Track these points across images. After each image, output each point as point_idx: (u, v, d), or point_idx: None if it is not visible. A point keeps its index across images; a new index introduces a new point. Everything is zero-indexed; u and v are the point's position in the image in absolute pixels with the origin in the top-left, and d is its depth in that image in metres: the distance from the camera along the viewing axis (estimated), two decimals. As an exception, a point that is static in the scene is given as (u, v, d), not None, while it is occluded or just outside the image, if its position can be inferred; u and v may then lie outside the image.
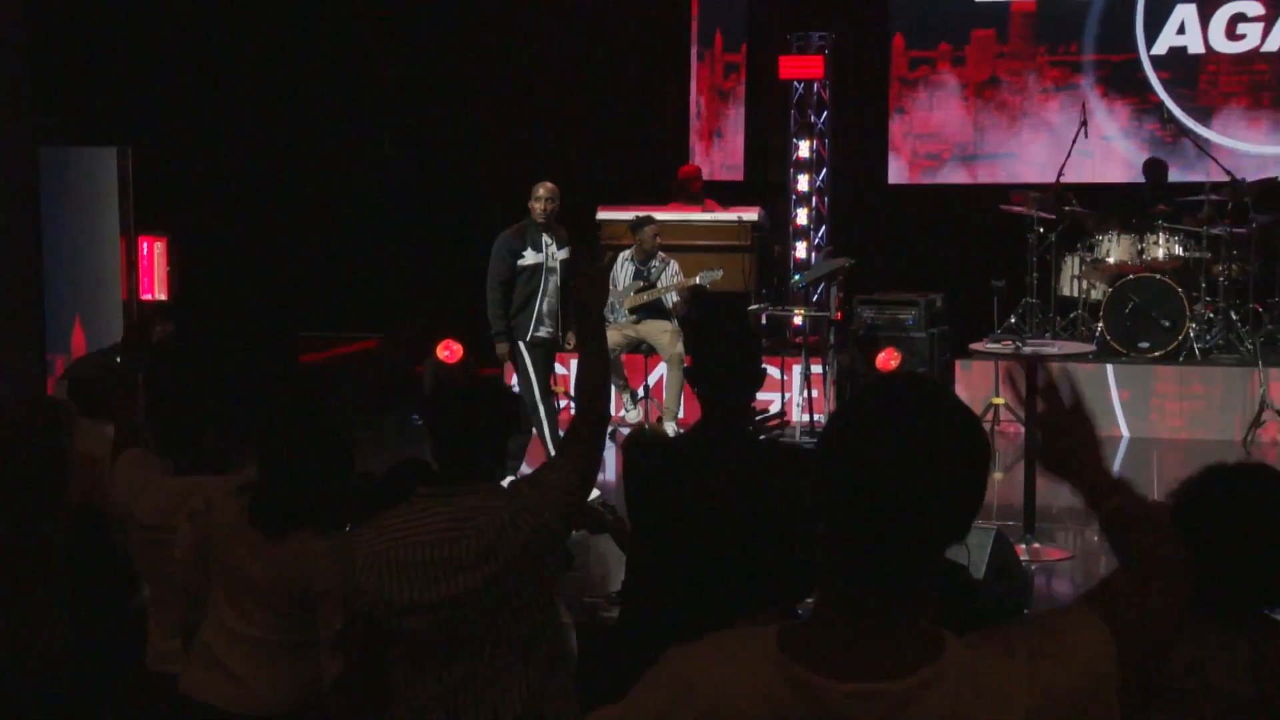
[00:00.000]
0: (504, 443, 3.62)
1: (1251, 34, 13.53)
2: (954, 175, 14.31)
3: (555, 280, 9.38)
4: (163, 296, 9.81)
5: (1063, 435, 2.25)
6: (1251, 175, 12.25)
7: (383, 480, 4.70)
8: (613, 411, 11.65)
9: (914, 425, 1.82)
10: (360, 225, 14.29)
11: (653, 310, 11.14)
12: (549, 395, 9.36)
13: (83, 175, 10.01)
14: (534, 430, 9.19)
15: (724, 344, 4.23)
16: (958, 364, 11.68)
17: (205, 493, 4.18)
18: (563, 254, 9.45)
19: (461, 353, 11.59)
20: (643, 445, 4.36)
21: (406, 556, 3.39)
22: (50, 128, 9.94)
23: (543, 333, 9.31)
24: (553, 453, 8.56)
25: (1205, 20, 13.59)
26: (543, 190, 9.47)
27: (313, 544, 3.87)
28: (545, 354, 9.39)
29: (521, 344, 9.25)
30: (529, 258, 9.29)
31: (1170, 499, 3.36)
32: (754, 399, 4.47)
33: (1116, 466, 10.62)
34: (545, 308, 9.35)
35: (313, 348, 13.56)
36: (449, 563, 3.38)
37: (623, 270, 11.31)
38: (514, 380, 9.47)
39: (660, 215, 11.72)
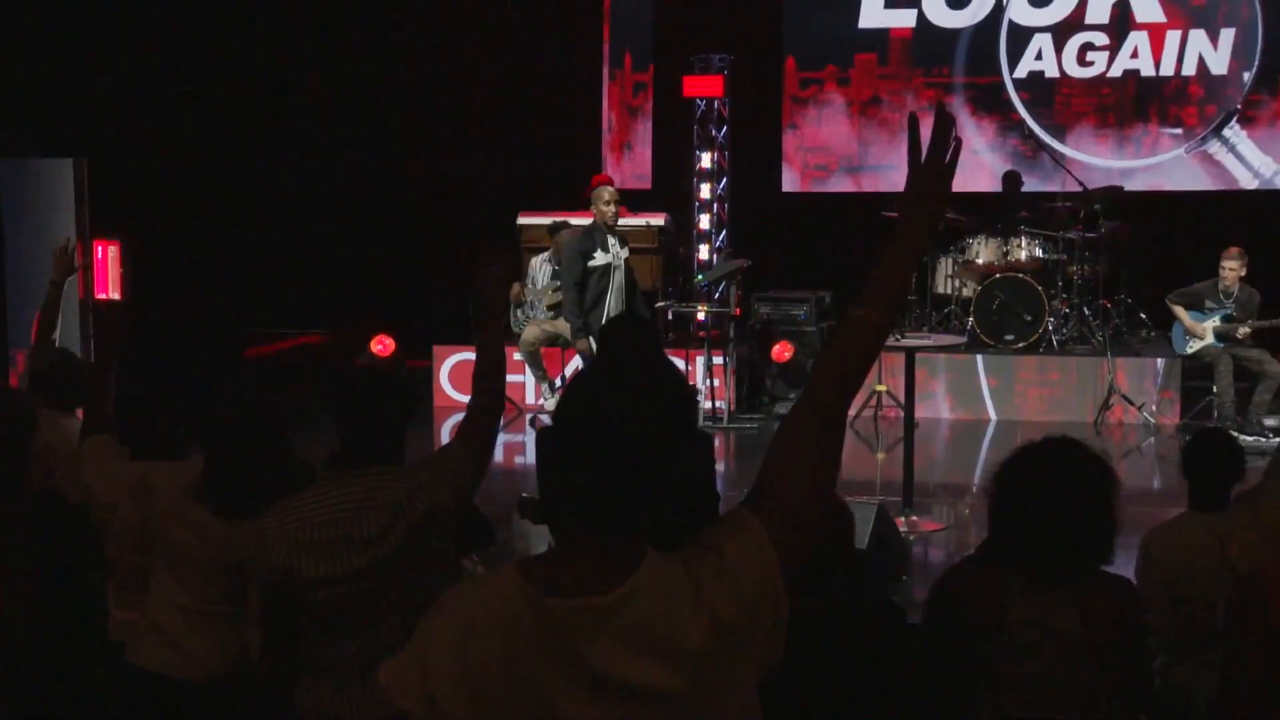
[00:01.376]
0: (402, 428, 3.56)
1: (1099, 61, 13.74)
2: (841, 184, 14.40)
3: (620, 277, 9.22)
4: (116, 296, 9.65)
5: (921, 181, 2.25)
6: (1102, 185, 12.47)
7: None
8: (531, 399, 11.66)
9: (623, 383, 1.97)
10: (301, 228, 14.15)
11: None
12: None
13: (42, 184, 9.85)
14: None
15: (624, 338, 4.21)
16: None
17: (154, 476, 4.24)
18: (625, 253, 9.29)
19: (394, 347, 11.52)
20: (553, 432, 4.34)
21: (313, 535, 3.35)
22: (11, 140, 9.79)
23: None
24: None
25: (1059, 48, 13.78)
26: (608, 194, 9.25)
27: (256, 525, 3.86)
28: None
29: (593, 339, 8.95)
30: (599, 259, 9.04)
31: (991, 480, 3.43)
32: None
33: (984, 448, 10.75)
34: (614, 303, 9.16)
35: (259, 342, 13.40)
36: (351, 540, 3.34)
37: (541, 271, 11.30)
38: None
39: (575, 220, 11.68)
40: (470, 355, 11.62)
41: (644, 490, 1.96)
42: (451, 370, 12.11)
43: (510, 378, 11.65)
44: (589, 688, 1.89)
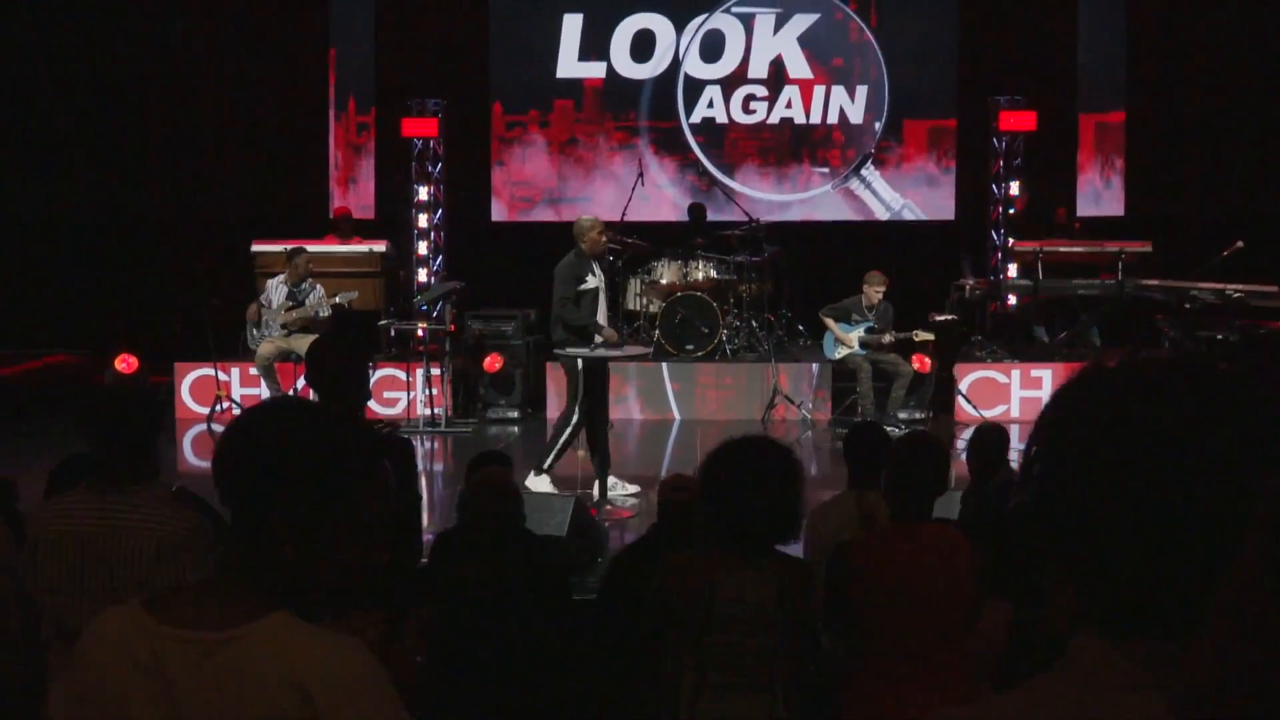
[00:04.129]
0: (153, 443, 3.38)
1: (760, 110, 14.29)
2: (543, 214, 14.54)
3: (604, 299, 8.86)
4: None
5: None
6: (765, 216, 12.95)
7: (58, 471, 4.51)
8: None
9: (274, 428, 1.80)
10: (45, 251, 13.47)
11: (301, 325, 10.95)
12: (602, 409, 8.43)
13: None
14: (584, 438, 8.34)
15: (332, 357, 4.15)
16: (549, 365, 11.84)
17: None
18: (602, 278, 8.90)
19: (137, 365, 11.07)
20: None
21: (67, 542, 3.16)
22: None
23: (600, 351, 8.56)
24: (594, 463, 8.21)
25: (727, 98, 14.27)
26: (595, 222, 8.76)
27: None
28: (603, 373, 8.54)
29: (581, 361, 8.37)
30: (590, 283, 8.51)
31: (700, 469, 3.60)
32: (364, 397, 4.21)
33: (670, 443, 11.02)
34: (602, 320, 8.78)
35: (3, 364, 12.63)
36: (106, 556, 3.16)
37: (276, 292, 11.08)
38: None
39: (310, 247, 11.54)
40: (209, 371, 11.32)
41: (280, 536, 1.76)
42: (192, 385, 11.72)
43: (248, 390, 11.43)
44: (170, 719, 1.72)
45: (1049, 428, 1.26)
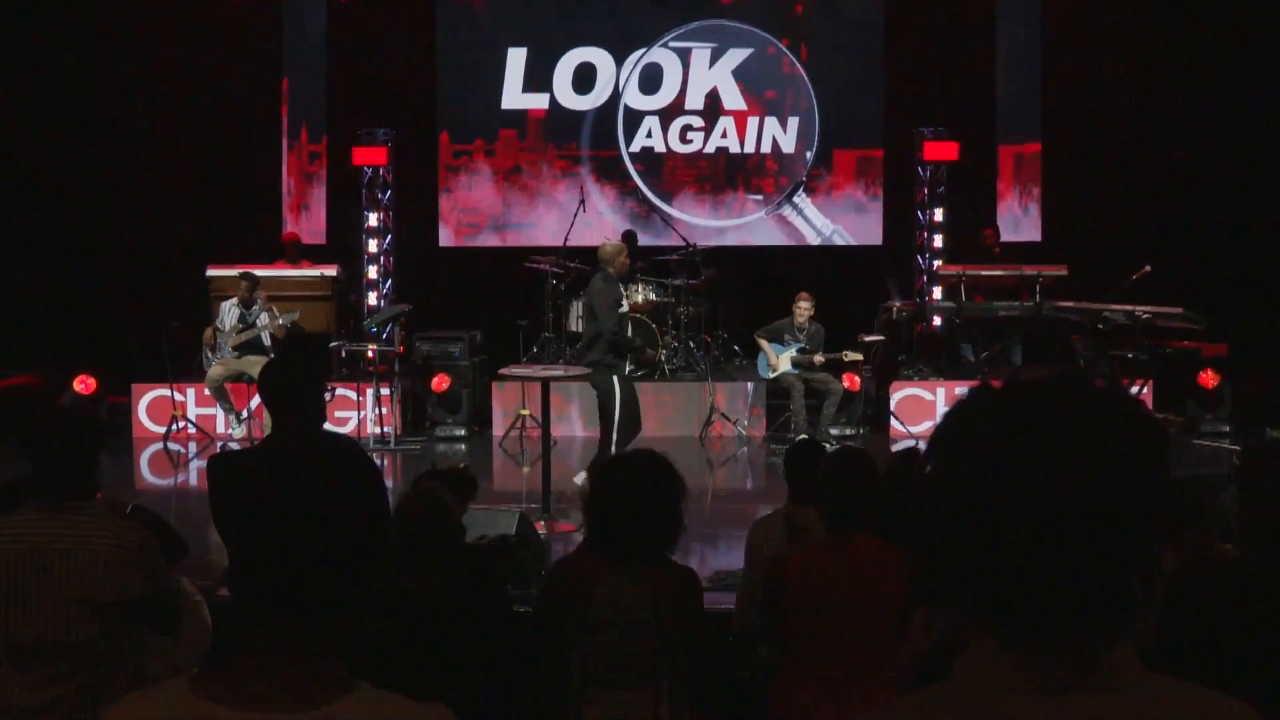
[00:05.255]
0: (94, 462, 3.30)
1: (697, 140, 14.39)
2: (489, 240, 14.55)
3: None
4: None
5: None
6: (702, 241, 13.04)
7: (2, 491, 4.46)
8: (221, 429, 11.30)
9: (296, 485, 1.58)
10: (6, 275, 13.30)
11: (252, 346, 10.91)
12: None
13: None
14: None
15: (285, 378, 4.13)
16: (494, 385, 11.87)
17: None
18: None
19: (95, 386, 10.96)
20: (221, 458, 4.27)
21: (15, 558, 3.06)
22: None
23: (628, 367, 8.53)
24: None
25: (665, 128, 14.35)
26: (620, 246, 8.74)
27: None
28: (633, 385, 8.66)
29: (617, 379, 8.37)
30: (624, 306, 8.63)
31: (594, 480, 3.65)
32: (319, 417, 4.17)
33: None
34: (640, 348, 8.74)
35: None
36: (55, 571, 3.05)
37: (230, 315, 11.03)
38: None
39: (261, 272, 11.49)
40: (165, 392, 11.22)
41: (330, 584, 1.56)
42: (148, 405, 11.61)
43: (203, 410, 11.35)
44: None
45: (939, 444, 1.32)
